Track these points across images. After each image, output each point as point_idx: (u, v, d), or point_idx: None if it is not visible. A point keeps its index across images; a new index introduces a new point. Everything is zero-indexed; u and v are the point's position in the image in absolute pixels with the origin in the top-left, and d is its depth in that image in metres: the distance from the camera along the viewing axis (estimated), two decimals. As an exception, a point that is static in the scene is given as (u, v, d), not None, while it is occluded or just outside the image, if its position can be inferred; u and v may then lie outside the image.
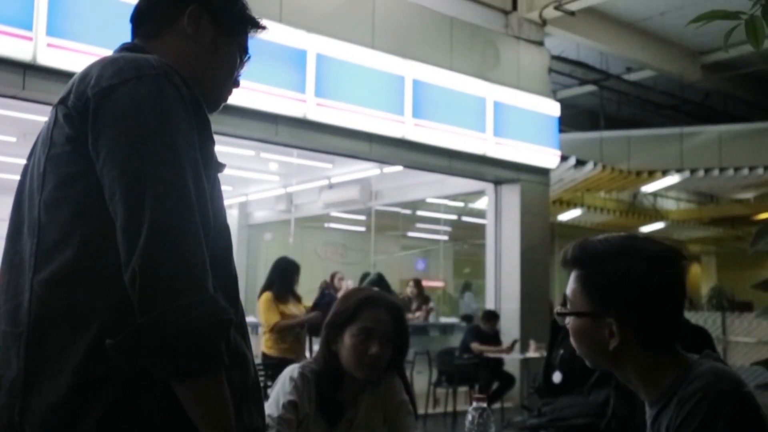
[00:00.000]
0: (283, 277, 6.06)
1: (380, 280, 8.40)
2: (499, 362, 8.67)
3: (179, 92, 1.31)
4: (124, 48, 1.46)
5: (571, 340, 1.52)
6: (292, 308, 6.01)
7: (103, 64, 1.34)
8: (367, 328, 2.16)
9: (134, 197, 1.21)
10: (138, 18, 1.51)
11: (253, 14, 1.57)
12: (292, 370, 2.17)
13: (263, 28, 1.58)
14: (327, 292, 8.40)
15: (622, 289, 1.43)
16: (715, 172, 14.00)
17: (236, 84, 1.57)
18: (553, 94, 10.53)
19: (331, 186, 12.08)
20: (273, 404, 2.09)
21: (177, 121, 1.28)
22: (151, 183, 1.22)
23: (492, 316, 8.93)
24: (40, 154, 1.36)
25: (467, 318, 10.61)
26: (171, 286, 1.17)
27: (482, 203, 10.83)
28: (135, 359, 1.20)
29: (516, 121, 9.32)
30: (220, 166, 1.41)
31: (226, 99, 1.56)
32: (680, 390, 1.39)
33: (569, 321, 1.50)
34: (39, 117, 6.38)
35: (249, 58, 1.58)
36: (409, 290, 10.16)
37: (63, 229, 1.28)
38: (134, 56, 1.37)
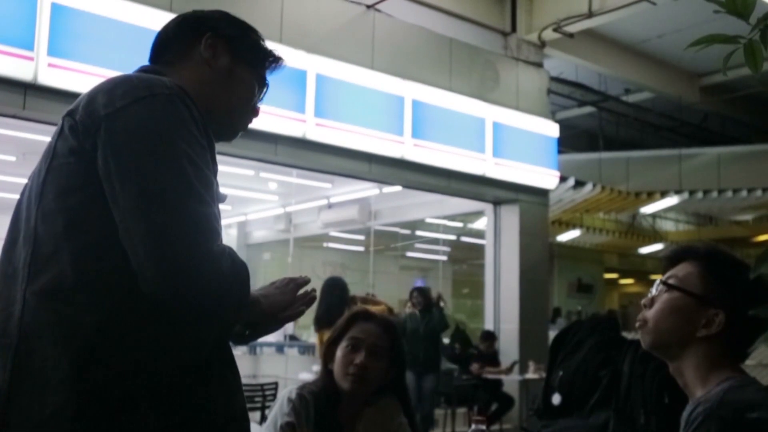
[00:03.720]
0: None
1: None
2: (498, 383, 8.63)
3: (191, 113, 1.33)
4: (141, 70, 1.48)
5: (652, 312, 1.55)
6: None
7: (116, 82, 1.35)
8: (354, 338, 2.17)
9: (156, 216, 1.22)
10: (158, 48, 1.55)
11: (270, 48, 1.59)
12: (290, 392, 2.16)
13: (280, 59, 1.60)
14: None
15: (745, 292, 1.48)
16: (714, 194, 14.02)
17: (256, 113, 1.59)
18: (552, 115, 10.56)
19: (330, 206, 12.09)
20: (271, 426, 2.07)
21: (189, 139, 1.30)
22: (173, 201, 1.23)
23: (489, 337, 8.90)
24: (42, 164, 1.36)
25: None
26: (217, 302, 1.27)
27: (481, 223, 10.83)
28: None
29: (515, 141, 9.34)
30: (222, 197, 1.41)
31: (245, 127, 1.58)
32: (697, 407, 1.42)
33: (667, 296, 1.54)
34: (39, 136, 6.39)
35: (268, 88, 1.60)
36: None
37: (56, 241, 1.29)
38: (147, 76, 1.39)
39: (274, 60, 1.60)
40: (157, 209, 1.22)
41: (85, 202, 1.28)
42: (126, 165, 1.26)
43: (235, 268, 1.28)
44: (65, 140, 1.32)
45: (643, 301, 1.60)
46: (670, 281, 1.56)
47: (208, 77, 1.50)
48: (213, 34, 1.52)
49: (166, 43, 1.54)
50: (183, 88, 1.36)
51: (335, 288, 6.01)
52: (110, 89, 1.33)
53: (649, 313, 1.57)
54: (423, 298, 7.92)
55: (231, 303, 1.28)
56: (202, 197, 1.27)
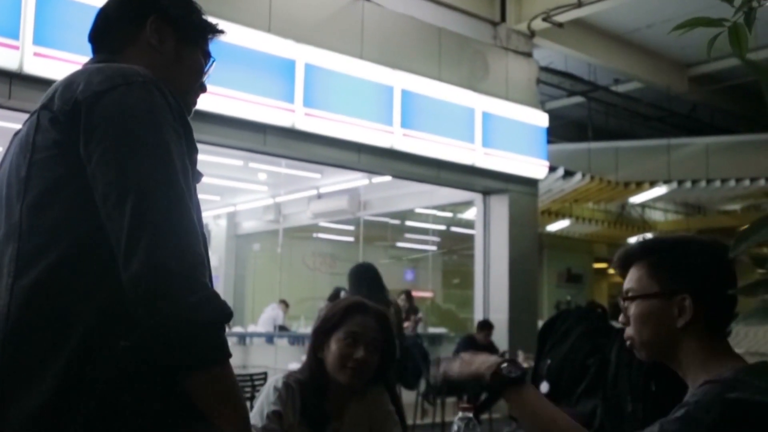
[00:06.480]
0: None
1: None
2: (488, 373, 8.63)
3: (166, 100, 1.33)
4: (96, 62, 1.46)
5: (631, 328, 1.56)
6: None
7: (89, 72, 1.35)
8: (353, 332, 2.14)
9: (132, 200, 1.22)
10: (98, 35, 1.53)
11: (210, 20, 1.58)
12: (276, 380, 2.15)
13: (222, 32, 1.59)
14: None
15: (695, 267, 1.50)
16: (702, 184, 14.08)
17: (203, 89, 1.58)
18: (541, 105, 10.57)
19: (319, 196, 12.07)
20: (257, 415, 2.06)
21: (167, 127, 1.30)
22: (149, 186, 1.23)
23: (486, 326, 8.90)
24: (20, 160, 1.35)
25: None
26: (179, 287, 1.19)
27: (471, 214, 10.84)
28: (151, 359, 1.22)
29: (504, 131, 9.34)
30: (198, 176, 1.41)
31: (195, 104, 1.58)
32: (695, 395, 1.42)
33: (634, 308, 1.55)
34: (25, 126, 6.34)
35: (214, 61, 1.59)
36: (401, 302, 10.11)
37: (48, 233, 1.28)
38: (119, 65, 1.38)
39: (216, 33, 1.58)
40: (135, 195, 1.22)
41: (78, 192, 1.27)
42: (106, 150, 1.25)
43: (201, 261, 1.25)
44: (46, 133, 1.31)
45: (620, 320, 1.60)
46: (629, 294, 1.57)
47: (158, 63, 1.47)
48: (157, 18, 1.49)
49: (106, 30, 1.52)
50: (155, 76, 1.35)
51: (366, 275, 5.45)
52: (87, 79, 1.32)
53: (631, 331, 1.57)
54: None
55: (196, 284, 1.22)
56: (179, 184, 1.27)
